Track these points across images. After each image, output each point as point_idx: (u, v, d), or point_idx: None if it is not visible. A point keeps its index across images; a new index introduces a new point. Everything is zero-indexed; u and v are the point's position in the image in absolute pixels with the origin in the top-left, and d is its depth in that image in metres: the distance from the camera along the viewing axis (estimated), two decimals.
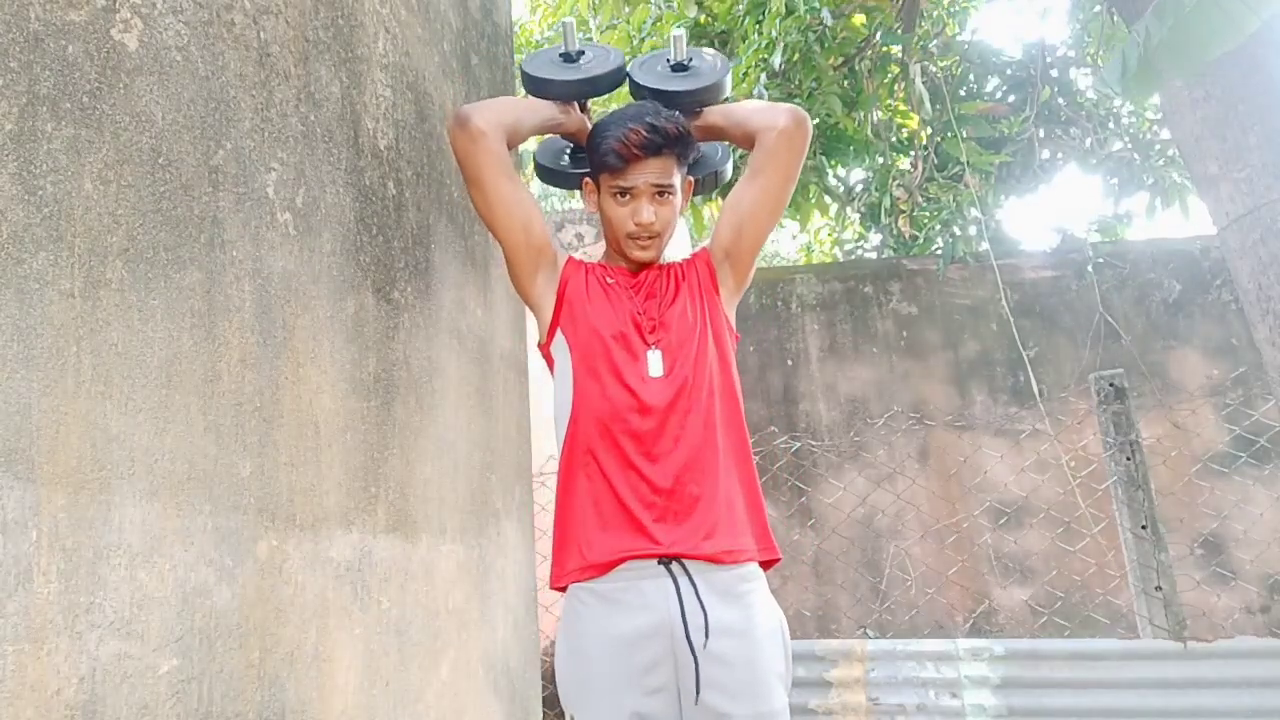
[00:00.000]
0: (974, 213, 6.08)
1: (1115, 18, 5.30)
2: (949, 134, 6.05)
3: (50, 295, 0.92)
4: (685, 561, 1.48)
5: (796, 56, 5.39)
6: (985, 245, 5.74)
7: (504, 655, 2.06)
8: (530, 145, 2.02)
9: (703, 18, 5.88)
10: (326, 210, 1.46)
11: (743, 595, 1.50)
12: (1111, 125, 6.70)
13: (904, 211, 6.46)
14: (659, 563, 1.48)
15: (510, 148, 1.69)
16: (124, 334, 1.01)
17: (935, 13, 6.49)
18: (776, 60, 5.27)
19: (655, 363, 1.59)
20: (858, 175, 6.96)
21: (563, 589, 1.58)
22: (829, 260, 7.80)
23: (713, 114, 1.80)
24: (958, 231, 6.14)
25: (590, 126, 1.80)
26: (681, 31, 1.89)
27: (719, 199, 6.26)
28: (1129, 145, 6.57)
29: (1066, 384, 5.33)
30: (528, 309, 1.80)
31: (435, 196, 1.90)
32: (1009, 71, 6.63)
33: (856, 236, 7.36)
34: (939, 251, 6.01)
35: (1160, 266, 5.51)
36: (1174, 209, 6.30)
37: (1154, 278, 5.50)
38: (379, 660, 1.49)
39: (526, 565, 2.30)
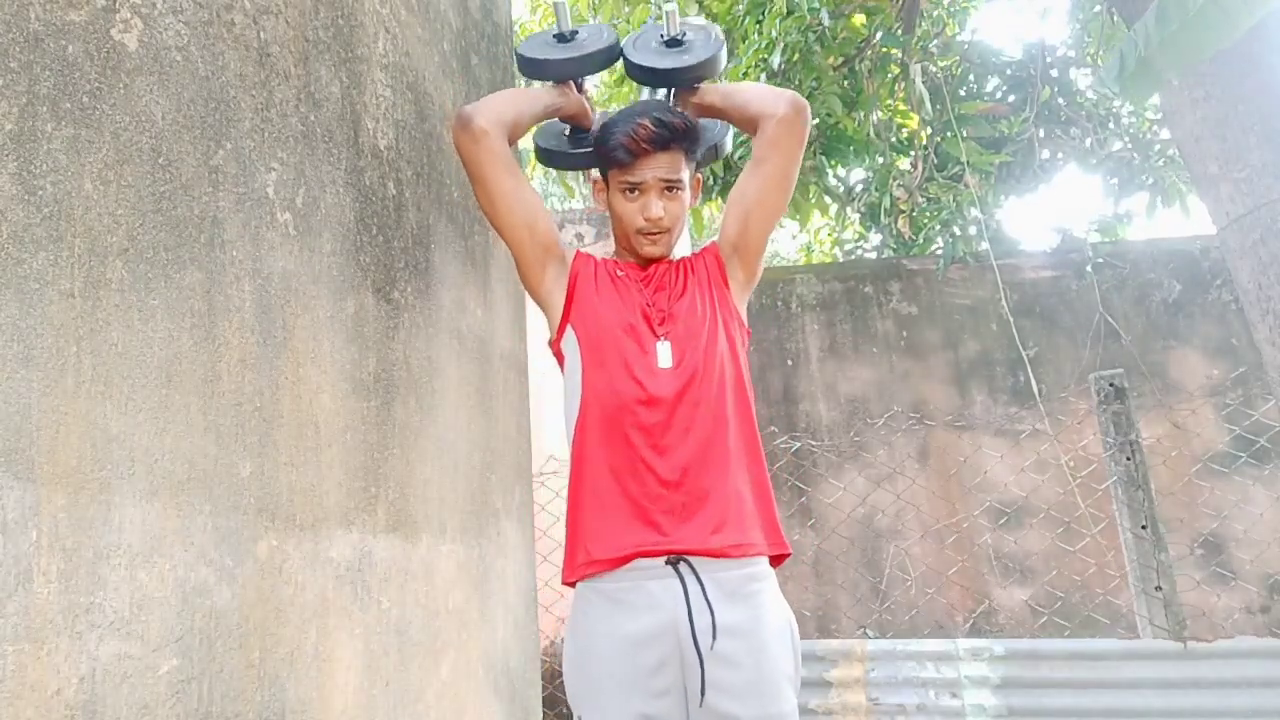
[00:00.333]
0: (974, 213, 6.08)
1: (1115, 18, 5.30)
2: (949, 134, 6.05)
3: (50, 295, 0.92)
4: (693, 560, 1.48)
5: (796, 56, 5.39)
6: (985, 245, 5.74)
7: (504, 655, 2.06)
8: (530, 143, 2.01)
9: (703, 17, 5.88)
10: (326, 210, 1.46)
11: (751, 595, 1.49)
12: (1111, 125, 6.69)
13: (904, 211, 6.46)
14: (666, 562, 1.48)
15: (512, 142, 1.69)
16: (124, 334, 1.01)
17: (935, 13, 6.49)
18: (776, 60, 5.27)
19: (664, 354, 1.58)
20: (858, 175, 6.96)
21: (573, 584, 1.57)
22: (829, 260, 7.80)
23: (711, 93, 1.79)
24: (958, 231, 6.14)
25: (589, 105, 1.81)
26: (673, 6, 1.86)
27: (720, 199, 6.26)
28: (1129, 145, 6.57)
29: (1066, 384, 5.33)
30: (531, 308, 1.80)
31: (435, 196, 1.90)
32: (1009, 71, 6.62)
33: (856, 236, 7.36)
34: (939, 251, 6.01)
35: (1160, 266, 5.51)
36: (1174, 209, 6.30)
37: (1154, 278, 5.50)
38: (379, 660, 1.49)
39: (526, 565, 2.30)
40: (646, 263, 1.71)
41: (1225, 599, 4.78)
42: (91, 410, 0.96)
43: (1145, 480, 3.32)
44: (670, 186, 1.64)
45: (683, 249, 1.79)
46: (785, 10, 5.25)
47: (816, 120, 5.74)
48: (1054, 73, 6.56)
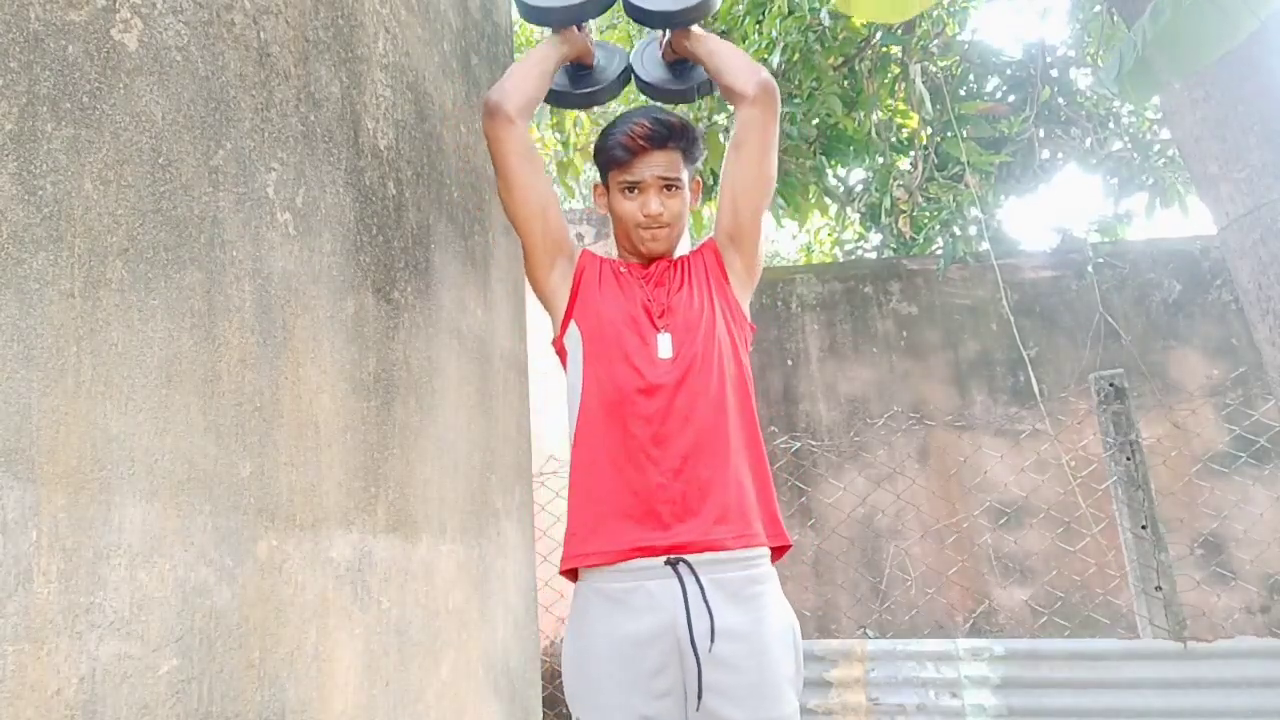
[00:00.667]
0: (974, 213, 6.07)
1: (1115, 18, 5.30)
2: (949, 134, 6.05)
3: (50, 295, 0.92)
4: (693, 560, 1.47)
5: (796, 56, 5.39)
6: (985, 245, 5.73)
7: (504, 655, 2.06)
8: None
9: None
10: (326, 210, 1.46)
11: (754, 597, 1.49)
12: (1111, 125, 6.69)
13: (904, 211, 6.45)
14: (666, 562, 1.48)
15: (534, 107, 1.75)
16: (124, 334, 1.01)
17: (935, 13, 6.48)
18: (776, 60, 5.27)
19: (664, 345, 1.60)
20: (858, 175, 6.96)
21: (571, 574, 1.57)
22: (829, 260, 7.80)
23: (702, 42, 1.81)
24: (958, 231, 6.14)
25: (591, 44, 1.88)
26: None
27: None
28: (1129, 145, 6.57)
29: (1066, 384, 5.33)
30: (532, 309, 1.81)
31: (435, 196, 1.90)
32: (1009, 71, 6.62)
33: (856, 236, 7.36)
34: (939, 251, 6.01)
35: (1160, 266, 5.51)
36: (1174, 209, 6.30)
37: (1154, 278, 5.49)
38: (379, 660, 1.49)
39: (526, 565, 2.30)
40: (648, 261, 1.72)
41: (1225, 599, 4.78)
42: (91, 410, 0.96)
43: (1145, 480, 3.32)
44: (668, 184, 1.67)
45: (683, 250, 1.80)
46: (785, 10, 5.25)
47: (816, 120, 5.75)
48: (1054, 73, 6.55)
